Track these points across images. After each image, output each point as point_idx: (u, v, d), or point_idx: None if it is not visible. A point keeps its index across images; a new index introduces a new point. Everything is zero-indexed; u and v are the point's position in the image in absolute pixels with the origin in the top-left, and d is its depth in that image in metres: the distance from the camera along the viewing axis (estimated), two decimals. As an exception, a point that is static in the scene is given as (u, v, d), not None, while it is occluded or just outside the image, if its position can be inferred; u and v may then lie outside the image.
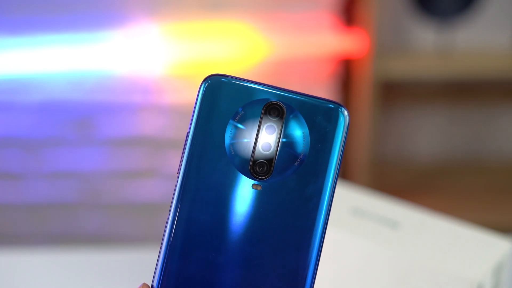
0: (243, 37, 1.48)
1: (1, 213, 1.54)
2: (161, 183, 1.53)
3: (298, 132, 0.38)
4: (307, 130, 0.38)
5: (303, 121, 0.38)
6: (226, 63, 1.49)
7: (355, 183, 1.25)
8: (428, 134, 1.67)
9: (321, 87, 1.51)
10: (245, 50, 1.49)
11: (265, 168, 0.38)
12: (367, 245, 0.62)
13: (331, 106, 0.38)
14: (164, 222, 0.39)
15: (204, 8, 1.47)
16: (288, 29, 1.48)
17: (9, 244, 1.55)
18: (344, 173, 1.55)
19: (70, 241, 1.55)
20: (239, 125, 0.38)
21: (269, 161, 0.38)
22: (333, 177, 0.38)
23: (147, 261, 0.83)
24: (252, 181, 0.38)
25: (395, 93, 1.61)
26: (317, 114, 0.38)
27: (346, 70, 1.56)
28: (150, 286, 0.38)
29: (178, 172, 0.38)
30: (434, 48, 1.55)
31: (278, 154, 0.38)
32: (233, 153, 0.38)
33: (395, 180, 1.62)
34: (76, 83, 1.49)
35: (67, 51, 1.47)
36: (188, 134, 0.38)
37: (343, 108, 0.38)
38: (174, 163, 1.53)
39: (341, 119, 0.38)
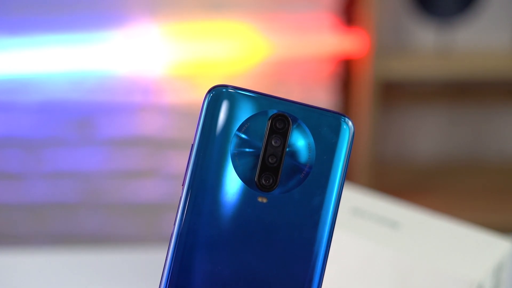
0: (243, 37, 1.48)
1: (1, 213, 1.54)
2: (161, 183, 1.54)
3: (304, 143, 0.38)
4: (312, 141, 0.38)
5: (309, 132, 0.38)
6: (226, 63, 1.49)
7: (355, 183, 1.25)
8: (428, 134, 1.67)
9: (321, 87, 1.51)
10: (245, 50, 1.49)
11: (270, 181, 0.38)
12: (367, 245, 0.62)
13: (336, 117, 0.38)
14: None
15: (204, 8, 1.47)
16: (288, 29, 1.48)
17: (9, 244, 1.55)
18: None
19: (70, 241, 1.55)
20: (244, 137, 0.38)
21: (274, 173, 0.38)
22: (338, 188, 0.38)
23: (147, 261, 0.83)
24: (258, 194, 0.38)
25: (395, 93, 1.61)
26: (323, 125, 0.38)
27: (346, 70, 1.56)
28: None
29: (183, 185, 0.38)
30: (434, 48, 1.55)
31: (284, 166, 0.38)
32: (238, 165, 0.38)
33: (395, 180, 1.62)
34: (76, 83, 1.49)
35: (67, 51, 1.47)
36: (193, 145, 0.38)
37: (347, 119, 0.38)
38: (174, 163, 1.53)
39: (346, 130, 0.38)
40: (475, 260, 0.60)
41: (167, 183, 1.53)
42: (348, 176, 1.53)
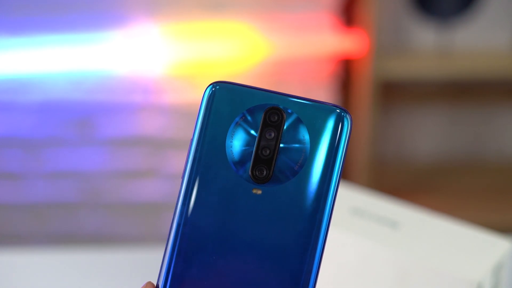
0: (243, 37, 1.48)
1: (1, 213, 1.54)
2: (161, 183, 1.54)
3: (299, 136, 0.38)
4: (307, 134, 0.38)
5: (304, 125, 0.38)
6: (226, 63, 1.50)
7: (355, 183, 1.25)
8: (428, 134, 1.67)
9: (321, 87, 1.51)
10: (245, 50, 1.49)
11: (264, 173, 0.38)
12: (367, 245, 0.62)
13: (334, 110, 0.39)
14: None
15: (204, 8, 1.47)
16: (288, 29, 1.48)
17: (9, 244, 1.55)
18: (344, 173, 1.54)
19: (70, 241, 1.55)
20: (240, 130, 0.39)
21: (268, 165, 0.38)
22: (334, 182, 0.38)
23: (147, 261, 0.83)
24: (253, 186, 0.38)
25: (395, 93, 1.61)
26: (319, 118, 0.38)
27: (346, 70, 1.56)
28: (154, 285, 0.39)
29: (182, 177, 0.39)
30: (434, 48, 1.55)
31: (278, 158, 0.38)
32: (234, 158, 0.39)
33: (395, 180, 1.62)
34: (76, 83, 1.49)
35: (67, 51, 1.47)
36: (192, 139, 0.39)
37: (345, 112, 0.38)
38: (174, 163, 1.53)
39: (343, 123, 0.38)
40: (475, 260, 0.60)
41: (167, 183, 1.53)
42: (347, 176, 1.53)
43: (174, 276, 0.38)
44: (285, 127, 0.38)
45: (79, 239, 1.56)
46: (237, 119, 0.39)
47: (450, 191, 1.59)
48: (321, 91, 1.51)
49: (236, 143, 0.39)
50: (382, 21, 1.52)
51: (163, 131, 1.51)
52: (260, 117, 0.39)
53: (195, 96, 1.51)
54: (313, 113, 0.39)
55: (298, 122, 0.39)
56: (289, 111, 0.39)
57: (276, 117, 0.38)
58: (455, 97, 1.65)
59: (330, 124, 0.38)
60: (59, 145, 1.51)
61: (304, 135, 0.38)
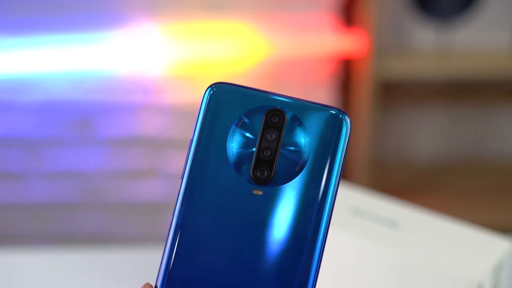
0: (243, 37, 1.48)
1: (1, 213, 1.54)
2: (161, 183, 1.54)
3: (299, 138, 0.39)
4: (308, 136, 0.39)
5: (304, 127, 0.39)
6: (226, 63, 1.50)
7: (355, 183, 1.25)
8: (428, 134, 1.67)
9: (321, 87, 1.51)
10: (245, 50, 1.49)
11: (265, 174, 0.39)
12: (367, 245, 0.62)
13: (333, 112, 0.39)
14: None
15: (204, 8, 1.47)
16: (288, 29, 1.48)
17: (9, 244, 1.55)
18: (344, 173, 1.54)
19: (70, 241, 1.55)
20: (241, 132, 0.39)
21: (269, 166, 0.39)
22: (334, 183, 0.39)
23: (147, 261, 0.83)
24: (253, 186, 0.39)
25: (395, 93, 1.61)
26: (319, 120, 0.39)
27: (346, 70, 1.56)
28: (153, 286, 0.39)
29: (182, 178, 0.39)
30: (434, 48, 1.55)
31: (279, 159, 0.39)
32: (234, 159, 0.39)
33: (395, 180, 1.62)
34: (76, 83, 1.49)
35: (67, 51, 1.47)
36: (191, 140, 0.39)
37: (345, 115, 0.39)
38: (174, 163, 1.53)
39: (343, 125, 0.39)
40: (475, 260, 0.60)
41: (167, 183, 1.53)
42: (348, 176, 1.53)
43: (173, 276, 0.38)
44: (285, 129, 0.39)
45: (79, 239, 1.56)
46: (237, 120, 0.39)
47: (450, 191, 1.59)
48: (321, 91, 1.51)
49: (237, 144, 0.39)
50: (382, 21, 1.52)
51: (163, 131, 1.51)
52: (261, 118, 0.39)
53: (195, 96, 1.51)
54: (313, 115, 0.39)
55: (298, 124, 0.39)
56: (290, 113, 0.39)
57: (277, 119, 0.39)
58: (455, 97, 1.65)
59: (330, 126, 0.39)
60: (59, 145, 1.51)
61: (305, 137, 0.39)
